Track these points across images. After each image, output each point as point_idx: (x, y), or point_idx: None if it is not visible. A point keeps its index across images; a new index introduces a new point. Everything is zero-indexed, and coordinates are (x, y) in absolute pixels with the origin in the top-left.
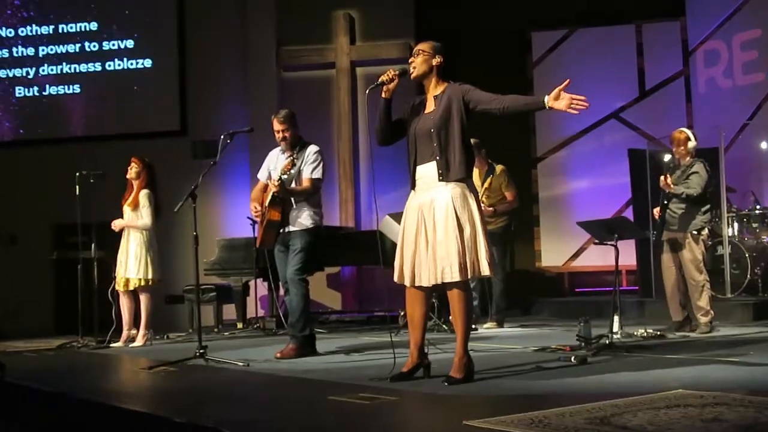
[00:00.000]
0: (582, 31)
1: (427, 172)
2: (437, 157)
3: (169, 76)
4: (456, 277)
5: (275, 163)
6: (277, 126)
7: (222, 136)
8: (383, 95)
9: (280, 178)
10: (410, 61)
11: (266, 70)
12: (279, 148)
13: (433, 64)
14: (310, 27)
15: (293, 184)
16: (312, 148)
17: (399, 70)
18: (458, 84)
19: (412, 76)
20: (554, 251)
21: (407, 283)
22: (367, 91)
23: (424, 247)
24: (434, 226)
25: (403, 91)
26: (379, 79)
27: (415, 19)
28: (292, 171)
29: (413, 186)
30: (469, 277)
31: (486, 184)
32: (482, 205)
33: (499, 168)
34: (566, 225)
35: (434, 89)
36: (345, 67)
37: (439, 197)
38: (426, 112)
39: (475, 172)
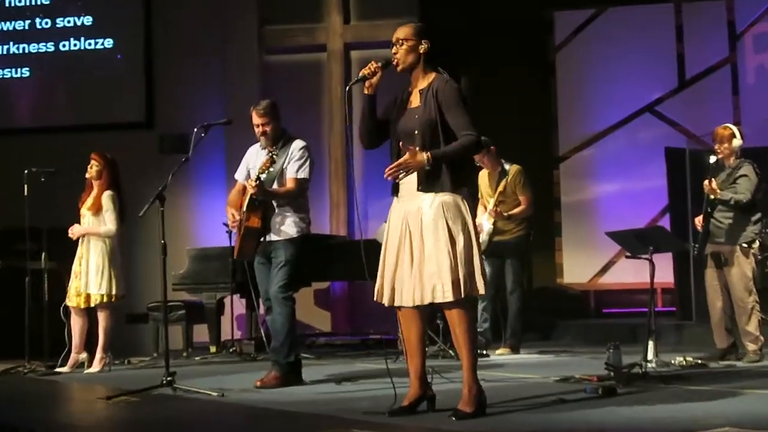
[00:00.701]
0: (612, 10)
1: (411, 177)
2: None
3: (134, 58)
4: (448, 296)
5: (255, 160)
6: (256, 119)
7: (195, 130)
8: (366, 91)
9: (258, 178)
10: (393, 51)
11: (247, 53)
12: (259, 143)
13: (420, 52)
14: (297, 3)
15: (275, 185)
16: (297, 144)
17: (382, 61)
18: (446, 79)
19: (399, 69)
20: (579, 265)
21: (385, 302)
22: (347, 88)
23: (408, 261)
24: (422, 237)
25: (396, 81)
26: (360, 74)
27: None
28: (272, 169)
29: (395, 192)
30: (462, 295)
31: (500, 188)
32: (495, 209)
33: (513, 168)
34: (593, 235)
35: (420, 81)
36: (338, 50)
37: (428, 204)
38: (410, 107)
39: (484, 174)
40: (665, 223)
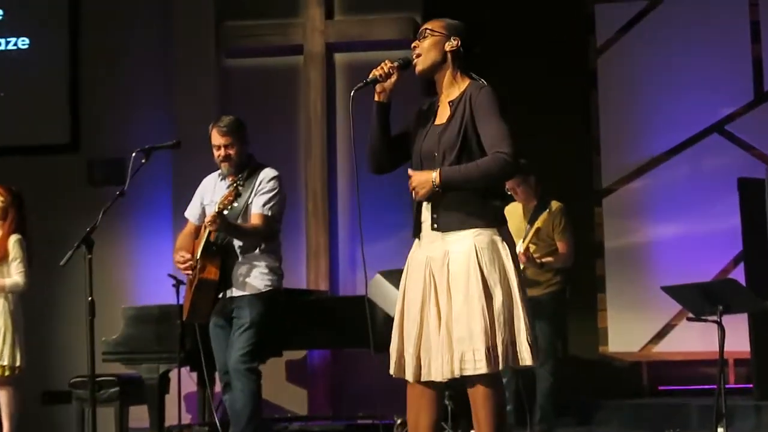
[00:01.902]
0: (669, 3)
1: (429, 214)
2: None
3: (56, 62)
4: (482, 367)
5: (212, 194)
6: (217, 139)
7: (133, 154)
8: (377, 98)
9: (219, 211)
10: (413, 46)
11: (201, 57)
12: (218, 172)
13: (447, 50)
14: None
15: (239, 221)
16: (267, 173)
17: (399, 61)
18: (482, 85)
19: (417, 69)
20: (627, 330)
21: (410, 377)
22: (352, 93)
23: (435, 323)
24: (449, 291)
25: (411, 90)
26: (371, 75)
27: None
28: (236, 204)
29: (417, 233)
30: (500, 367)
31: (535, 227)
32: (526, 254)
33: (555, 205)
34: (645, 291)
35: (449, 89)
36: (318, 51)
37: (457, 248)
38: (436, 123)
39: (516, 209)
40: (739, 275)
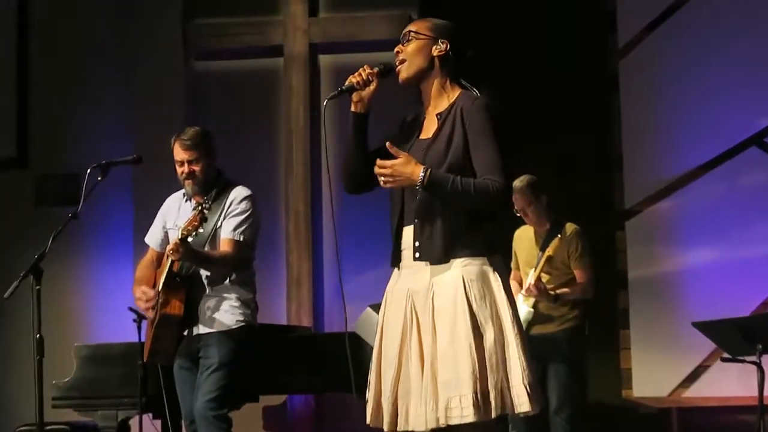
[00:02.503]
0: None
1: (411, 241)
2: (415, 219)
3: (0, 65)
4: (469, 415)
5: (176, 217)
6: (180, 154)
7: (88, 170)
8: (353, 108)
9: (183, 238)
10: (396, 51)
11: (166, 59)
12: (182, 191)
13: (434, 55)
14: None
15: (206, 248)
16: (238, 193)
17: (380, 66)
18: (476, 97)
19: (401, 77)
20: (654, 372)
21: (386, 426)
22: (324, 102)
23: (417, 365)
24: (433, 328)
25: (393, 99)
26: (347, 82)
27: None
28: (202, 230)
29: (396, 262)
30: (492, 415)
31: (547, 253)
32: (537, 284)
33: (570, 228)
34: (674, 327)
35: (437, 99)
36: (300, 53)
37: (443, 280)
38: (421, 137)
39: (525, 234)
40: None
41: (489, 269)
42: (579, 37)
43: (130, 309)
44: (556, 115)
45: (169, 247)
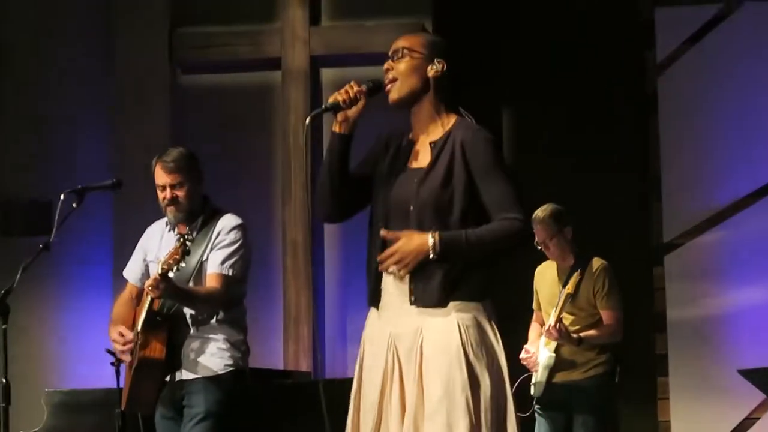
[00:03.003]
0: (751, 7)
1: (399, 281)
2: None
3: None
4: None
5: (158, 249)
6: (161, 178)
7: (62, 196)
8: (336, 129)
9: (163, 273)
10: (386, 68)
11: (149, 72)
12: (165, 219)
13: (429, 75)
14: None
15: (191, 284)
16: (227, 222)
17: (368, 84)
18: (476, 128)
19: (392, 98)
20: (696, 424)
21: None
22: (307, 120)
23: (398, 415)
24: (419, 379)
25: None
26: (331, 99)
27: None
28: (184, 264)
29: (375, 301)
30: None
31: (567, 290)
32: (557, 326)
33: (596, 264)
34: (719, 374)
35: (428, 124)
36: (300, 66)
37: (435, 325)
38: (412, 165)
39: (547, 270)
40: None
41: (483, 316)
42: (613, 52)
43: (108, 351)
44: (586, 136)
45: (147, 283)
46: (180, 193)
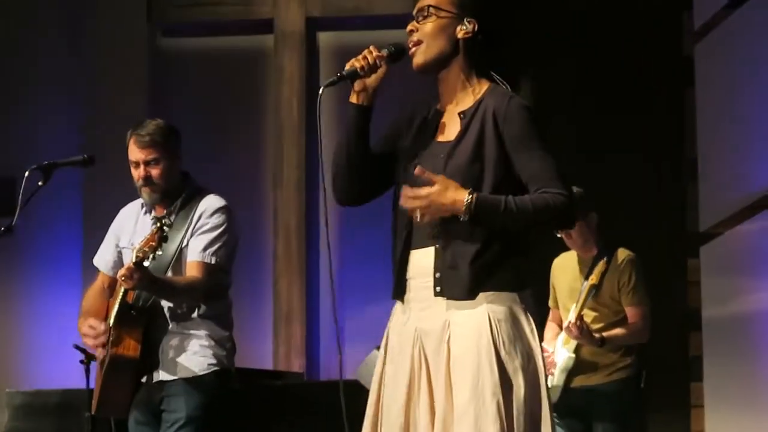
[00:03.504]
0: None
1: (428, 268)
2: (437, 244)
3: None
4: None
5: (132, 232)
6: (135, 153)
7: (26, 173)
8: (354, 99)
9: (138, 262)
10: (410, 29)
11: (125, 34)
12: (139, 200)
13: (458, 37)
14: None
15: (169, 274)
16: (209, 204)
17: (389, 48)
18: (509, 94)
19: (416, 62)
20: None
21: None
22: (321, 90)
23: (426, 419)
24: (448, 379)
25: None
26: (348, 66)
27: None
28: (161, 252)
29: (399, 293)
30: None
31: (590, 282)
32: (578, 323)
33: (622, 255)
34: (759, 378)
35: (459, 92)
36: (294, 29)
37: (463, 318)
38: (438, 139)
39: (567, 261)
40: None
41: (519, 308)
42: (646, 17)
43: (76, 347)
44: (614, 111)
45: (120, 273)
46: (155, 171)
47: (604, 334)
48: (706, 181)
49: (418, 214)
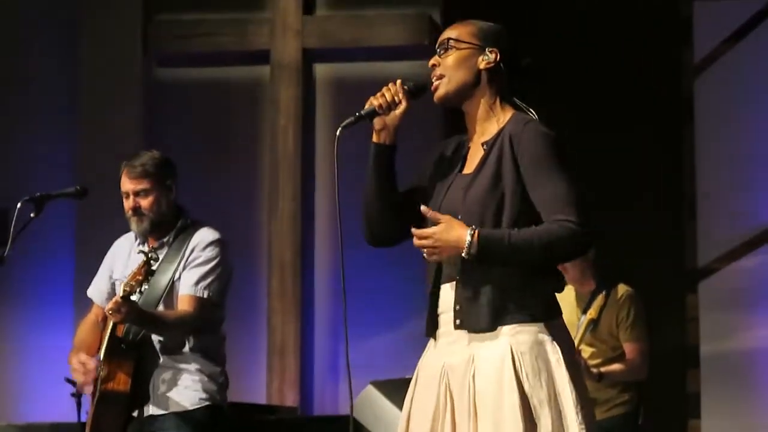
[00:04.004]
0: None
1: (450, 302)
2: (456, 278)
3: None
4: None
5: (126, 264)
6: (126, 184)
7: (19, 205)
8: (376, 139)
9: (125, 296)
10: (432, 64)
11: (120, 65)
12: (132, 232)
13: (481, 68)
14: None
15: (160, 308)
16: (202, 237)
17: (410, 84)
18: (529, 120)
19: (438, 95)
20: None
21: None
22: (338, 131)
23: None
24: (474, 415)
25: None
26: (367, 104)
27: None
28: (147, 286)
29: (432, 330)
30: None
31: (589, 316)
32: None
33: (621, 290)
34: (760, 415)
35: (484, 123)
36: (291, 60)
37: (487, 353)
38: (464, 171)
39: (567, 296)
40: None
41: (546, 338)
42: (646, 50)
43: (68, 380)
44: (613, 145)
45: (107, 307)
46: (144, 202)
47: (602, 369)
48: (705, 218)
49: (427, 256)
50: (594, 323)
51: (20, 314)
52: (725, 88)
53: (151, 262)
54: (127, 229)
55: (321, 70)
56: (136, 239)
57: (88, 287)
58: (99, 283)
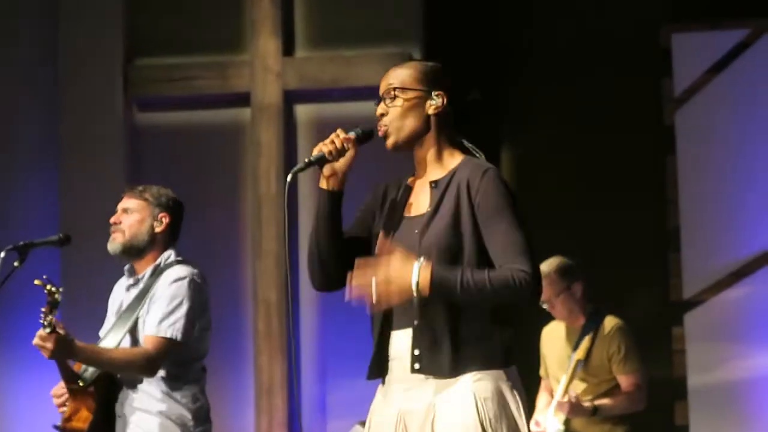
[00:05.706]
0: None
1: (406, 349)
2: (414, 322)
3: None
4: None
5: (112, 302)
6: (122, 201)
7: (2, 254)
8: (324, 185)
9: (50, 326)
10: (379, 113)
11: (100, 109)
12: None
13: (428, 113)
14: (196, 20)
15: (125, 345)
16: (171, 274)
17: (356, 130)
18: (483, 166)
19: (388, 145)
20: None
21: None
22: (288, 177)
23: None
24: None
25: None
26: (315, 151)
27: (426, 7)
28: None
29: (380, 371)
30: None
31: (577, 356)
32: (568, 399)
33: (610, 324)
34: None
35: (432, 166)
36: (272, 103)
37: (448, 398)
38: (411, 213)
39: (555, 332)
40: None
41: (506, 385)
42: (624, 83)
43: (56, 428)
44: (596, 179)
45: (33, 342)
46: (125, 219)
47: (597, 402)
48: (689, 250)
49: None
50: (584, 362)
51: (8, 367)
52: (707, 119)
53: (56, 295)
54: (113, 275)
55: (302, 111)
56: (126, 276)
57: (75, 337)
58: (106, 324)
